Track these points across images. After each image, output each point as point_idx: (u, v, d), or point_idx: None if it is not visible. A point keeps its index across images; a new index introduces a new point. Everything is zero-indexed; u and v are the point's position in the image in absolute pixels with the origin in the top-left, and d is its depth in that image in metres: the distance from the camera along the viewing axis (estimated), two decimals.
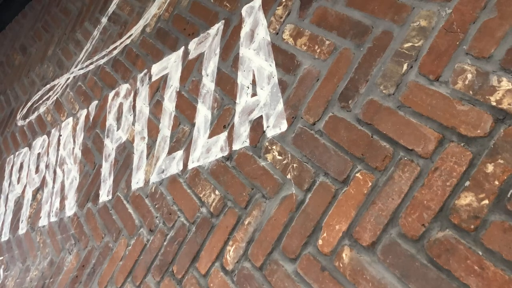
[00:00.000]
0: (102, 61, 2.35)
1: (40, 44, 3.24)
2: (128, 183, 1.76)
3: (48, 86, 2.80)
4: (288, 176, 1.20)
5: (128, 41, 2.20)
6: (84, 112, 2.29)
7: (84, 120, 2.26)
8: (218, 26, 1.67)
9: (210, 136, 1.48)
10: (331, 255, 1.03)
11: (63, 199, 2.12)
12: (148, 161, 1.71)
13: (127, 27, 2.26)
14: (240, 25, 1.57)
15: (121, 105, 2.03)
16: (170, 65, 1.83)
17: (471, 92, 0.93)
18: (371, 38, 1.15)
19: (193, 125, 1.57)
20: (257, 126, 1.34)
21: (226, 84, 1.51)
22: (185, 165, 1.53)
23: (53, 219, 2.12)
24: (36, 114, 2.78)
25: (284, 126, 1.26)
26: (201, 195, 1.42)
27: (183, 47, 1.81)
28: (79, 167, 2.12)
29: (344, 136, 1.11)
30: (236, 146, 1.37)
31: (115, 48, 2.29)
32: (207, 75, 1.61)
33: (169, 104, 1.73)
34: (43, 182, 2.35)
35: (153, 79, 1.90)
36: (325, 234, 1.06)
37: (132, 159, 1.80)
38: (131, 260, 1.58)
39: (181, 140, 1.59)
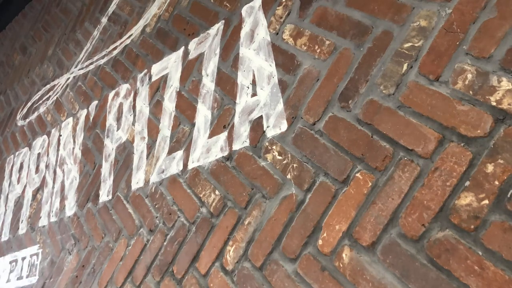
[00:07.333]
0: (102, 61, 2.35)
1: (40, 44, 3.24)
2: (128, 183, 1.76)
3: (48, 86, 2.80)
4: (288, 176, 1.20)
5: (128, 41, 2.20)
6: (84, 112, 2.29)
7: (84, 120, 2.26)
8: (218, 26, 1.67)
9: (210, 136, 1.48)
10: (331, 255, 1.03)
11: (63, 199, 2.12)
12: (148, 161, 1.71)
13: (127, 27, 2.26)
14: (240, 25, 1.57)
15: (121, 105, 2.03)
16: (170, 65, 1.83)
17: (471, 92, 0.93)
18: (371, 38, 1.15)
19: (193, 125, 1.57)
20: (257, 126, 1.34)
21: (226, 84, 1.51)
22: (185, 165, 1.53)
23: (53, 219, 2.12)
24: (36, 114, 2.78)
25: (284, 126, 1.26)
26: (201, 195, 1.42)
27: (183, 47, 1.81)
28: (79, 167, 2.12)
29: (344, 136, 1.11)
30: (236, 146, 1.37)
31: (115, 48, 2.29)
32: (207, 75, 1.61)
33: (169, 104, 1.73)
34: (43, 182, 2.35)
35: (153, 79, 1.90)
36: (325, 234, 1.06)
37: (132, 159, 1.80)
38: (131, 260, 1.58)
39: (181, 140, 1.59)
